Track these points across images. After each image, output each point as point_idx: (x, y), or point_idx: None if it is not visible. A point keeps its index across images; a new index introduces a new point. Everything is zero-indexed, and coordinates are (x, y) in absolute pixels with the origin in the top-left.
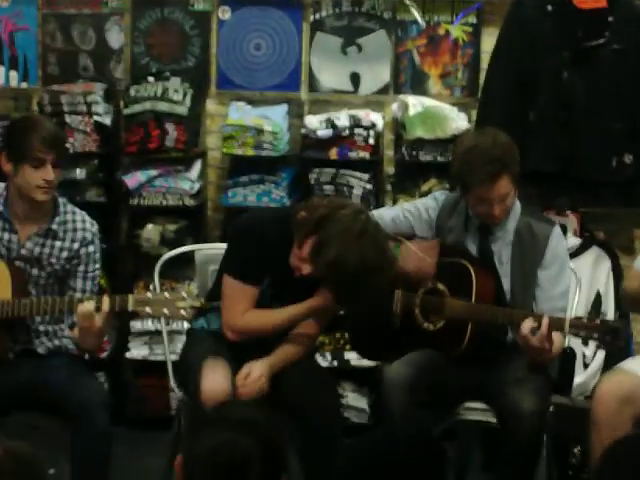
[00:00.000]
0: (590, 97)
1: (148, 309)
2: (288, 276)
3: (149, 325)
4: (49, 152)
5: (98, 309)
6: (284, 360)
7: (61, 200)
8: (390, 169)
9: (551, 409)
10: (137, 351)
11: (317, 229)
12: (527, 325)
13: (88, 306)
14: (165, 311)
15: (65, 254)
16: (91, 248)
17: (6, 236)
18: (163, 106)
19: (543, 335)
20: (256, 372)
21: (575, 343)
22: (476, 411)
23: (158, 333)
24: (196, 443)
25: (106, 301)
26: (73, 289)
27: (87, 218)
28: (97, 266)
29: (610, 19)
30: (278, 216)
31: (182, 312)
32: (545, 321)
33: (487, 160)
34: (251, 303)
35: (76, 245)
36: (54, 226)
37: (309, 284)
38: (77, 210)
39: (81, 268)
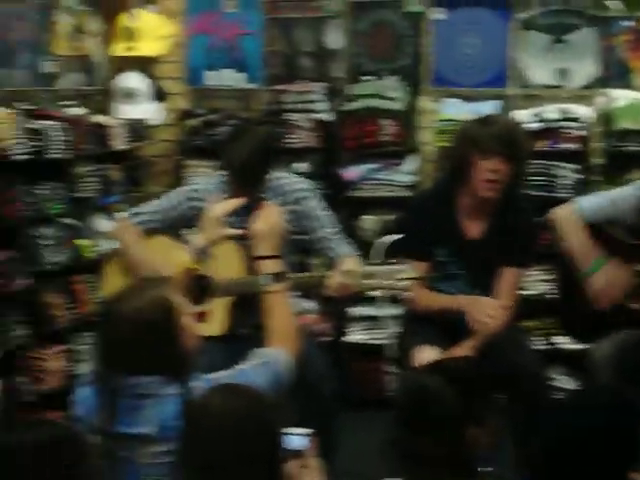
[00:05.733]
0: None
1: (371, 281)
2: (463, 242)
3: (366, 310)
4: None
5: None
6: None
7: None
8: (598, 160)
9: None
10: (355, 336)
11: None
12: None
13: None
14: (387, 283)
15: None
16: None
17: None
18: (379, 103)
19: None
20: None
21: None
22: None
23: (374, 318)
24: None
25: None
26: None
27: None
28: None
29: None
30: (438, 190)
31: (403, 283)
32: None
33: None
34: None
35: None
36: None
37: (485, 244)
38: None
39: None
